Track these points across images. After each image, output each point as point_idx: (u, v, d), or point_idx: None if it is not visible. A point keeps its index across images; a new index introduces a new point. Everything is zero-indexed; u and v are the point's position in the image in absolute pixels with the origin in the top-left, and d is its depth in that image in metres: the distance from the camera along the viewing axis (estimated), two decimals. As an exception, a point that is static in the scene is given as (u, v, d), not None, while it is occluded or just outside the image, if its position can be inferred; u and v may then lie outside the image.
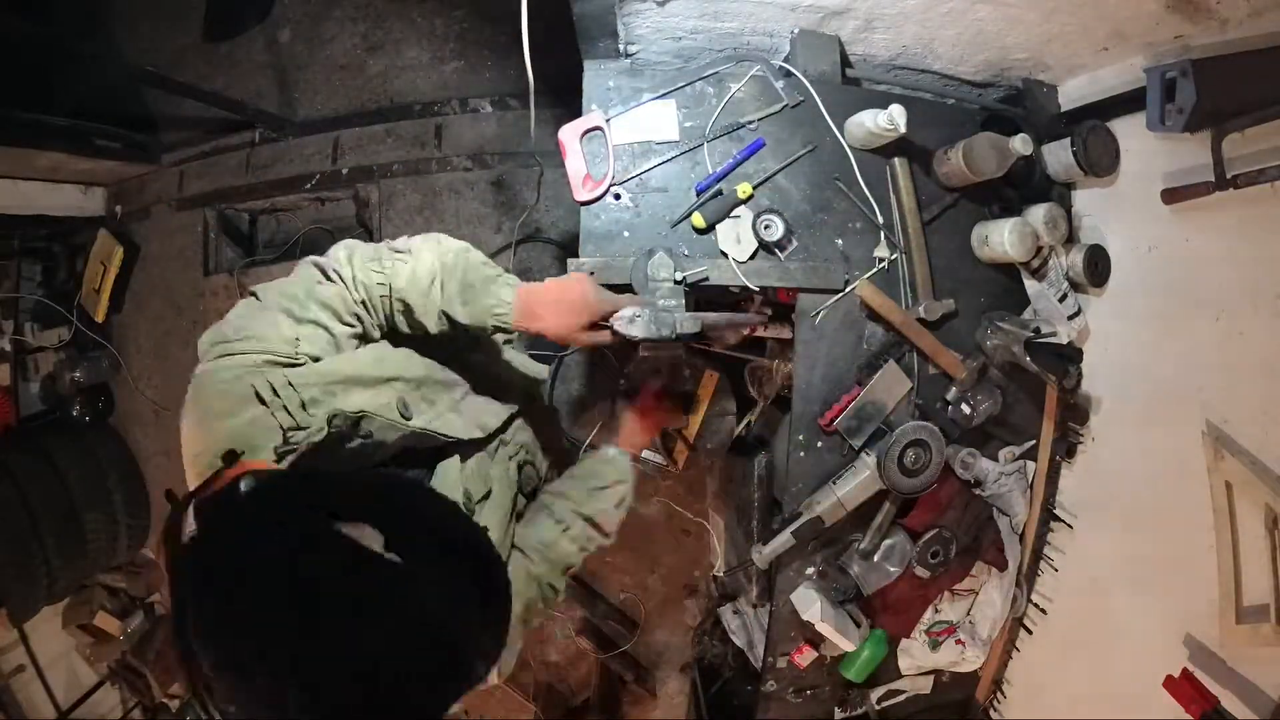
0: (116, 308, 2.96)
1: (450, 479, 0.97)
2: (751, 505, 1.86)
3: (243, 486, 0.63)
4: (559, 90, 1.48)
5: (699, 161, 1.42)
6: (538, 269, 2.50)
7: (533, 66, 1.29)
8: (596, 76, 1.41)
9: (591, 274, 1.15)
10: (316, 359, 0.86)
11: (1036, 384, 1.57)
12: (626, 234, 1.39)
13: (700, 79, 1.42)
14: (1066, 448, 1.62)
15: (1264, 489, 1.15)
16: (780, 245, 1.41)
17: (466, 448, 1.01)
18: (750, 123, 1.43)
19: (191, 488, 0.73)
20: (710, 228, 1.39)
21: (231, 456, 0.72)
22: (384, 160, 2.61)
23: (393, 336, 1.01)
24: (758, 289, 1.41)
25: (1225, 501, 1.22)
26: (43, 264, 3.06)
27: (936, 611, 1.65)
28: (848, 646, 1.54)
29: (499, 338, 1.03)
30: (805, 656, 1.61)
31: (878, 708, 1.72)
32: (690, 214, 1.38)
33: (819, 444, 1.50)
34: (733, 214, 1.40)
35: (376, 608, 0.55)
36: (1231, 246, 1.27)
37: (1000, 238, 1.46)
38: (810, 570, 1.56)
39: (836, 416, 1.46)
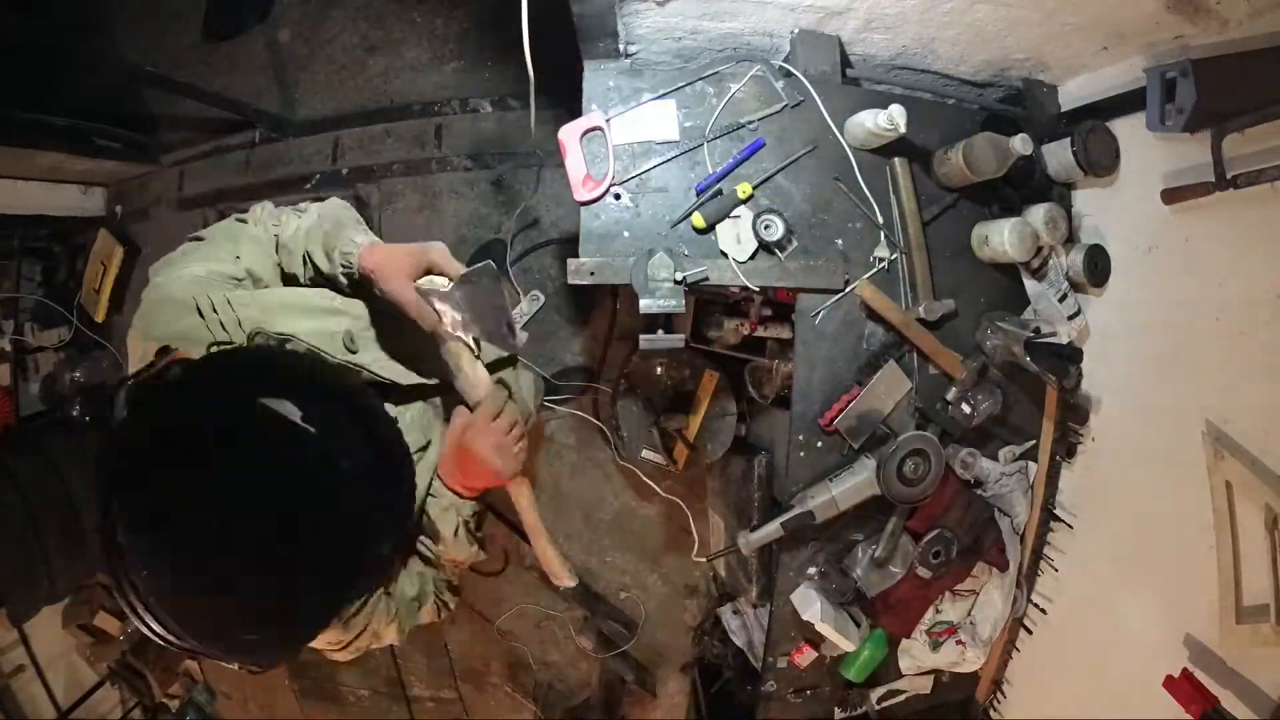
0: (116, 308, 2.96)
1: (411, 426, 1.03)
2: (751, 505, 1.87)
3: (172, 372, 0.67)
4: (559, 90, 1.48)
5: (699, 161, 1.42)
6: (538, 269, 2.50)
7: (533, 66, 1.29)
8: (596, 76, 1.41)
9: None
10: (258, 279, 0.96)
11: (1036, 384, 1.57)
12: (626, 234, 1.39)
13: (700, 79, 1.42)
14: (1066, 448, 1.63)
15: (1264, 489, 1.15)
16: (780, 245, 1.41)
17: (406, 395, 1.05)
18: (750, 123, 1.43)
19: None
20: (710, 228, 1.39)
21: (164, 351, 0.75)
22: (384, 160, 2.61)
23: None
24: (757, 289, 1.41)
25: (1225, 501, 1.22)
26: (43, 264, 3.06)
27: (938, 612, 1.65)
28: (847, 647, 1.54)
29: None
30: (805, 656, 1.61)
31: (878, 708, 1.73)
32: (690, 214, 1.38)
33: (819, 444, 1.50)
34: (733, 214, 1.40)
35: (294, 469, 0.61)
36: (1231, 246, 1.27)
37: (1000, 238, 1.46)
38: (812, 570, 1.56)
39: (836, 416, 1.46)
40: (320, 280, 1.02)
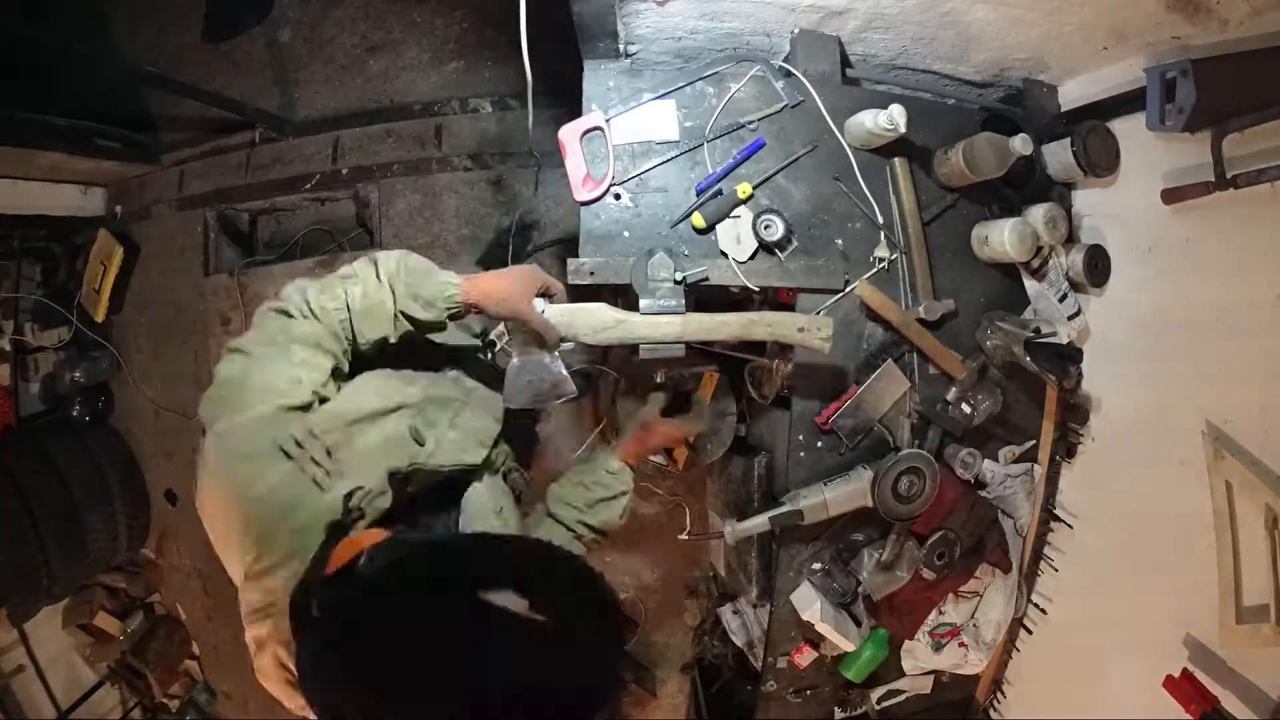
0: (116, 308, 2.96)
1: (481, 500, 1.01)
2: (751, 505, 1.86)
3: (363, 565, 0.66)
4: (559, 90, 1.48)
5: (699, 161, 1.42)
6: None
7: (532, 66, 1.29)
8: (596, 76, 1.41)
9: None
10: (324, 399, 0.87)
11: (1036, 384, 1.57)
12: (626, 234, 1.39)
13: (700, 79, 1.42)
14: (1066, 448, 1.63)
15: (1264, 489, 1.15)
16: (780, 245, 1.41)
17: (478, 469, 1.05)
18: (750, 123, 1.43)
19: (238, 570, 0.76)
20: (710, 228, 1.39)
21: (337, 529, 0.76)
22: (384, 160, 2.61)
23: (364, 367, 1.01)
24: (757, 289, 1.41)
25: (1225, 501, 1.22)
26: (43, 264, 3.06)
27: (940, 613, 1.65)
28: (847, 646, 1.54)
29: (462, 337, 1.05)
30: (805, 656, 1.61)
31: (878, 708, 1.73)
32: (690, 214, 1.38)
33: (818, 444, 1.50)
34: (733, 214, 1.40)
35: (539, 664, 0.60)
36: (1231, 246, 1.28)
37: (1000, 238, 1.46)
38: (816, 565, 1.56)
39: (833, 415, 1.47)
40: (419, 327, 1.00)
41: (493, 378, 1.18)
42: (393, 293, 0.97)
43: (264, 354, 0.87)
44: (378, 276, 0.97)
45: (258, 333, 0.90)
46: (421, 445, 0.94)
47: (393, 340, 0.99)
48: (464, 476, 1.03)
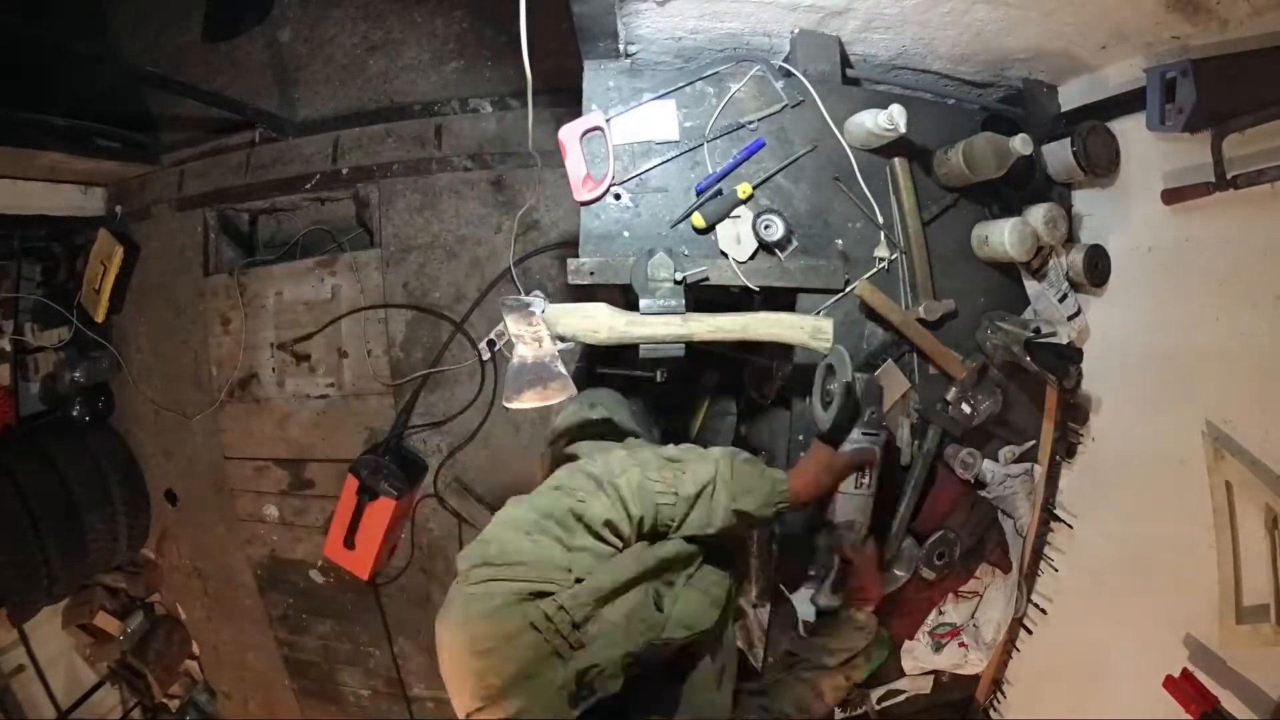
0: (116, 308, 2.96)
1: (701, 686, 0.97)
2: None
3: None
4: (559, 90, 1.48)
5: (699, 161, 1.42)
6: (537, 268, 2.50)
7: (532, 66, 1.29)
8: (596, 76, 1.41)
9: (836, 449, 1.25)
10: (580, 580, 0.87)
11: (1036, 384, 1.57)
12: (626, 234, 1.39)
13: (700, 79, 1.42)
14: (1066, 448, 1.62)
15: (1264, 489, 1.15)
16: (780, 245, 1.41)
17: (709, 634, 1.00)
18: (750, 123, 1.43)
19: (465, 709, 0.78)
20: (710, 228, 1.39)
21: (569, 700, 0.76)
22: (384, 160, 2.61)
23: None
24: (758, 289, 1.41)
25: (1225, 501, 1.22)
26: (43, 264, 3.07)
27: (940, 614, 1.65)
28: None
29: None
30: (805, 656, 1.61)
31: (878, 708, 1.72)
32: (690, 214, 1.38)
33: (819, 444, 1.50)
34: (733, 214, 1.40)
35: None
36: (1231, 247, 1.27)
37: (1000, 238, 1.46)
38: (811, 573, 1.55)
39: (835, 416, 1.47)
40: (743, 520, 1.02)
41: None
42: (726, 491, 1.00)
43: (545, 529, 0.88)
44: (712, 465, 1.00)
45: (550, 501, 0.90)
46: (660, 611, 0.92)
47: (714, 530, 1.00)
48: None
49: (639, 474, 0.95)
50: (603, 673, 0.81)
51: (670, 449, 1.06)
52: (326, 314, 2.66)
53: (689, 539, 1.02)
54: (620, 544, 0.92)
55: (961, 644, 1.65)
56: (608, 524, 0.90)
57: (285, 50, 2.78)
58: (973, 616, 1.66)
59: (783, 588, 1.52)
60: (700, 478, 0.98)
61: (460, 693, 0.79)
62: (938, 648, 1.64)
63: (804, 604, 1.53)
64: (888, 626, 1.60)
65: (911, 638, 1.64)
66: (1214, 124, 1.21)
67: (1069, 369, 1.44)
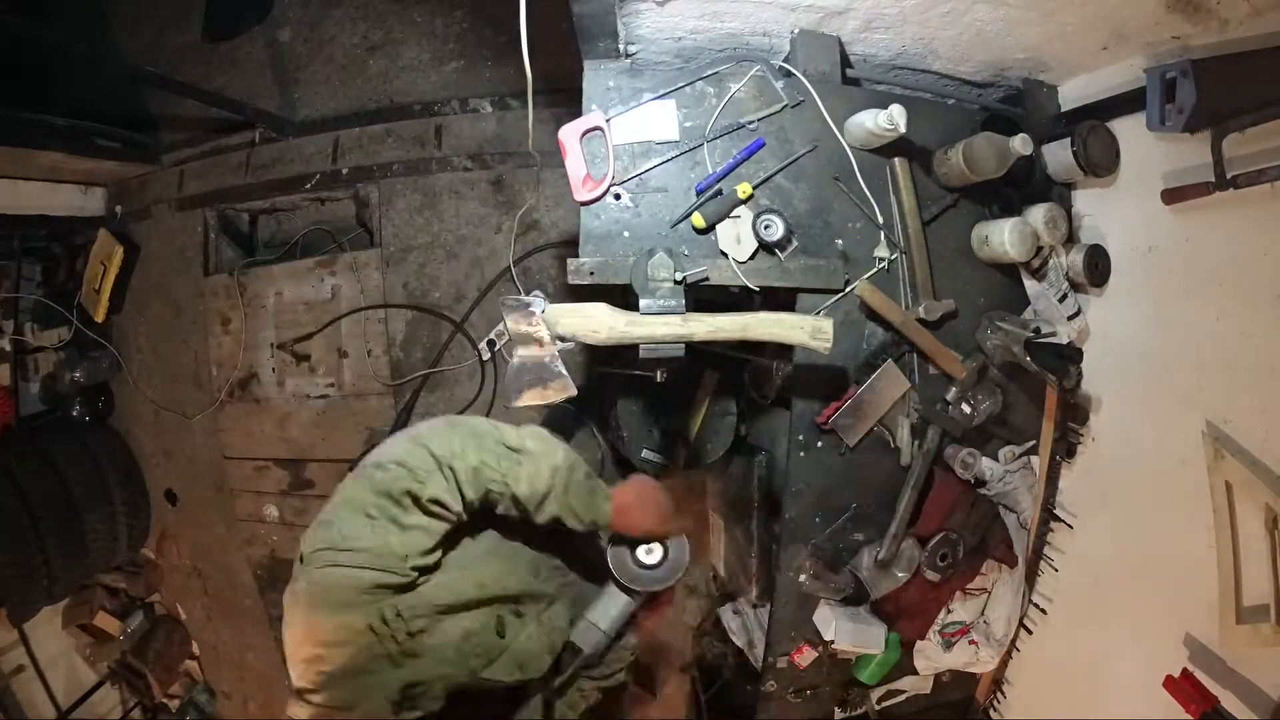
0: (116, 308, 2.96)
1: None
2: (752, 505, 1.86)
3: None
4: (559, 90, 1.48)
5: (699, 161, 1.42)
6: (537, 268, 2.50)
7: (532, 66, 1.29)
8: (596, 76, 1.41)
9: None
10: (427, 568, 0.90)
11: (1036, 384, 1.57)
12: (626, 234, 1.39)
13: (700, 79, 1.42)
14: (1066, 448, 1.63)
15: (1264, 489, 1.15)
16: (780, 245, 1.41)
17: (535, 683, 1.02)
18: (750, 123, 1.43)
19: (294, 680, 0.84)
20: (710, 228, 1.39)
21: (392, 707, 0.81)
22: (384, 160, 2.61)
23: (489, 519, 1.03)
24: (758, 289, 1.41)
25: (1225, 501, 1.22)
26: (43, 264, 3.07)
27: (949, 612, 1.65)
28: (876, 650, 1.54)
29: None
30: (805, 656, 1.61)
31: (878, 708, 1.72)
32: (690, 214, 1.38)
33: (819, 444, 1.50)
34: (733, 214, 1.40)
35: None
36: (1231, 247, 1.27)
37: (1000, 238, 1.46)
38: (803, 577, 1.55)
39: (834, 414, 1.47)
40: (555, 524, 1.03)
41: (597, 563, 1.15)
42: (556, 503, 1.00)
43: (381, 510, 0.89)
44: (550, 474, 0.99)
45: (387, 479, 0.90)
46: (502, 637, 0.96)
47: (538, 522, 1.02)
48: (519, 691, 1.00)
49: (477, 458, 0.96)
50: (425, 692, 0.86)
51: (518, 434, 1.03)
52: (326, 314, 2.65)
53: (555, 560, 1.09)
54: (452, 518, 0.94)
55: (972, 641, 1.65)
56: (438, 502, 0.92)
57: (285, 50, 2.78)
58: (982, 613, 1.66)
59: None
60: (536, 486, 0.98)
61: (294, 669, 0.85)
62: (948, 646, 1.64)
63: (824, 625, 1.53)
64: (896, 629, 1.60)
65: (922, 638, 1.64)
66: (1214, 124, 1.21)
67: (1069, 369, 1.44)
